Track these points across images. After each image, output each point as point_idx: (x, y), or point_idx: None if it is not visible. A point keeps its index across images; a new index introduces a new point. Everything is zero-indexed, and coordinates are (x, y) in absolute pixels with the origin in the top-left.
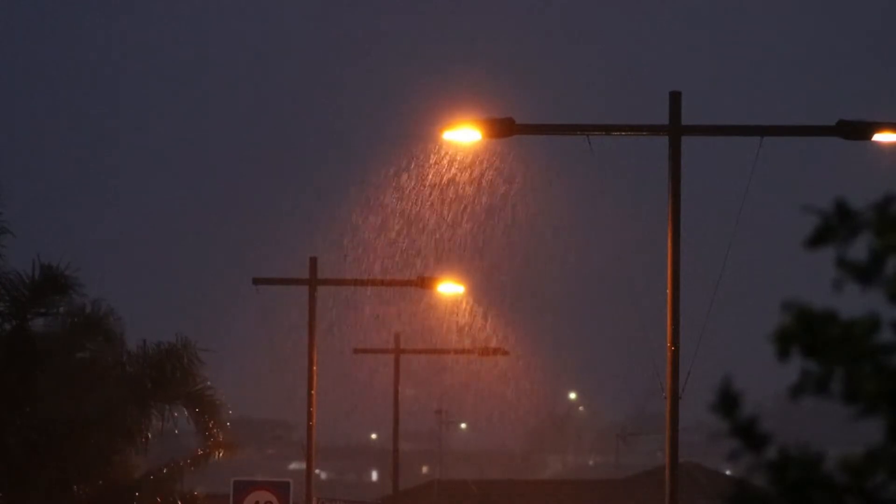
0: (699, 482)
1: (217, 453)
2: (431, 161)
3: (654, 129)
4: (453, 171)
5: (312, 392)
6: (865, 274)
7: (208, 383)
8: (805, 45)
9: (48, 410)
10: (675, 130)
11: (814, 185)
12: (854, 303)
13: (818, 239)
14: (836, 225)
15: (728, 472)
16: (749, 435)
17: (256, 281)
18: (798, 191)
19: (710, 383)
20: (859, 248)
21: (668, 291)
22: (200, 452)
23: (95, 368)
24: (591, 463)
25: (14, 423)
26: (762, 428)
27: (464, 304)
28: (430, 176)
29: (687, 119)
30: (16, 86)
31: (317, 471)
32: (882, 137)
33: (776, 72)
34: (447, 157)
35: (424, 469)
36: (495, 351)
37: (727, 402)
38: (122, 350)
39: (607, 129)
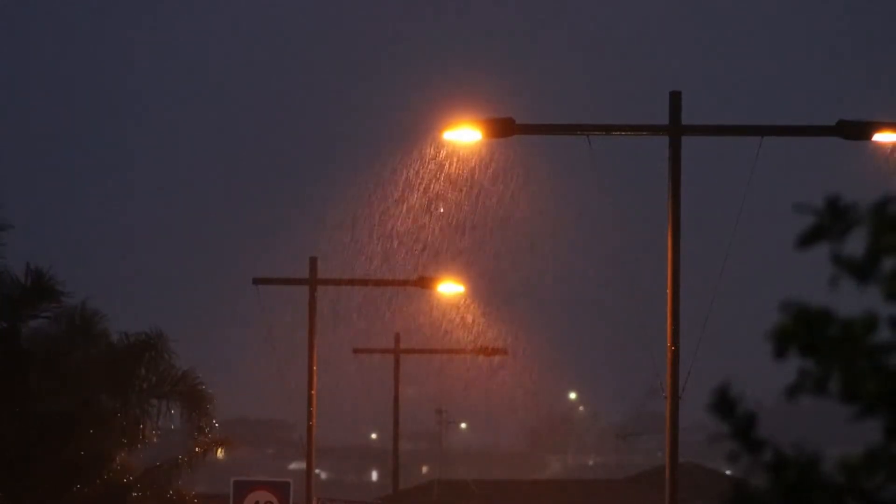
0: (699, 482)
1: (214, 450)
2: (431, 161)
3: (654, 129)
4: (453, 170)
5: (312, 392)
6: (862, 271)
7: (199, 378)
8: (806, 44)
9: (42, 409)
10: (675, 130)
11: (815, 184)
12: (852, 302)
13: (810, 237)
14: (828, 223)
15: (728, 472)
16: (747, 438)
17: (256, 281)
18: (799, 190)
19: (710, 383)
20: (855, 245)
21: (668, 291)
22: (197, 450)
23: (87, 367)
24: (591, 463)
25: (9, 423)
26: (759, 432)
27: (464, 304)
28: (431, 176)
29: (687, 119)
30: (15, 86)
31: (317, 471)
32: (882, 137)
33: (776, 72)
34: (447, 157)
35: (424, 469)
36: (495, 351)
37: (725, 405)
38: (108, 348)
39: (607, 129)
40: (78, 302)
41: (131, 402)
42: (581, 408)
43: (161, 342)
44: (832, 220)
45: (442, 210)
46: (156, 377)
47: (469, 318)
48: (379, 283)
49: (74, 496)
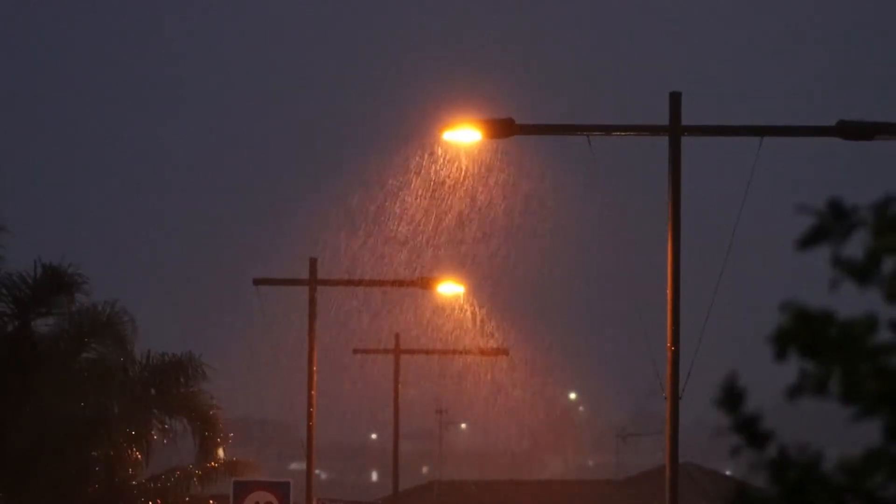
0: (699, 482)
1: (219, 465)
2: (432, 161)
3: (654, 130)
4: (453, 171)
5: (312, 392)
6: (862, 273)
7: (213, 401)
8: (806, 44)
9: (50, 411)
10: (675, 130)
11: (816, 184)
12: (852, 303)
13: (811, 239)
14: (830, 225)
15: (728, 473)
16: (751, 432)
17: (256, 281)
18: (800, 191)
19: (710, 383)
20: (855, 247)
21: (668, 291)
22: (208, 465)
23: (100, 370)
24: (591, 463)
25: (15, 424)
26: (764, 426)
27: (464, 305)
28: (431, 176)
29: (687, 119)
30: (18, 86)
31: (317, 471)
32: (882, 138)
33: (776, 72)
34: (447, 158)
35: (424, 469)
36: (495, 351)
37: (731, 397)
38: (128, 353)
39: (607, 130)
40: (93, 301)
41: (145, 414)
42: (581, 408)
43: (193, 365)
44: (834, 221)
45: (443, 210)
46: (186, 393)
47: (469, 319)
48: (379, 283)
49: (77, 500)
